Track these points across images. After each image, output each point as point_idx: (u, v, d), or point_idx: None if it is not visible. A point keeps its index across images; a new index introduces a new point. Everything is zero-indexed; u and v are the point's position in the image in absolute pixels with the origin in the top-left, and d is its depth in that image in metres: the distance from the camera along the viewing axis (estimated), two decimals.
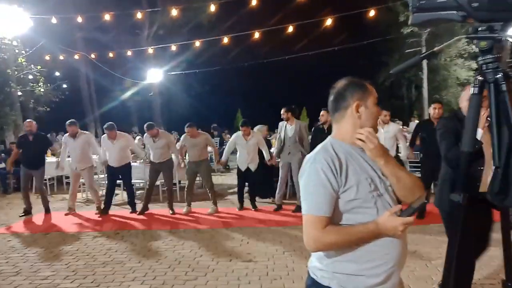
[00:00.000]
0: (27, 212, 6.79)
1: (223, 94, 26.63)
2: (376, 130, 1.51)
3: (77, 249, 4.86)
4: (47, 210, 6.85)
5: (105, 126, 6.75)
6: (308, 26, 12.03)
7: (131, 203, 6.86)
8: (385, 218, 1.35)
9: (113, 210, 6.93)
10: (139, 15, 11.40)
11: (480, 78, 1.48)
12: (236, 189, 7.30)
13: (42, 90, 13.31)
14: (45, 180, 8.18)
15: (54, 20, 10.23)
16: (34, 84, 13.22)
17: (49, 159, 7.87)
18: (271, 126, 9.21)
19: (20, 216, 6.68)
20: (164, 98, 24.53)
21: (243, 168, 6.63)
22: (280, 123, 6.61)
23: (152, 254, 4.58)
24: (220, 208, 6.79)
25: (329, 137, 1.54)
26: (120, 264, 4.29)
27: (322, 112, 6.15)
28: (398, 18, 19.35)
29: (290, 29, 11.11)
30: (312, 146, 6.46)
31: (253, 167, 6.60)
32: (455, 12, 1.38)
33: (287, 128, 6.42)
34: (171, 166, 6.82)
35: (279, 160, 6.73)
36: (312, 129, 7.04)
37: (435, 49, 1.65)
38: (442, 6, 1.39)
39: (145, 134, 6.84)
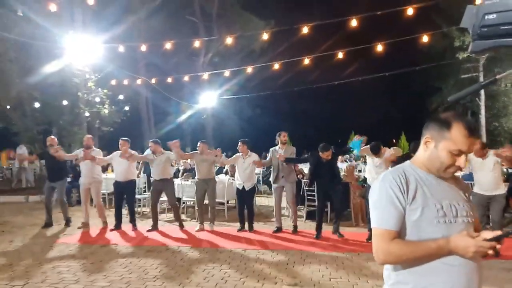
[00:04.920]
0: (48, 224, 7.17)
1: (273, 117, 27.01)
2: (444, 172, 1.47)
3: (130, 262, 5.09)
4: (67, 223, 7.25)
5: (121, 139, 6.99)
6: (359, 51, 11.98)
7: (132, 219, 7.04)
8: (459, 237, 1.34)
9: (163, 226, 7.22)
10: (196, 43, 12.09)
11: None
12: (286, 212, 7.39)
13: (106, 111, 14.43)
14: (104, 195, 8.72)
15: (121, 48, 11.18)
16: (100, 106, 14.39)
17: (109, 175, 8.43)
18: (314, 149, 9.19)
19: (42, 228, 7.08)
20: (216, 121, 25.38)
21: (240, 187, 6.82)
22: (272, 148, 6.84)
23: (200, 272, 4.67)
24: (266, 229, 6.87)
25: (408, 161, 1.58)
26: (170, 279, 4.43)
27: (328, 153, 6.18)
28: (453, 43, 18.63)
29: (341, 54, 11.14)
30: (311, 171, 6.53)
31: (247, 187, 6.74)
32: None
33: (280, 152, 6.61)
34: (215, 185, 7.03)
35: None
36: (309, 154, 7.06)
37: (498, 76, 1.61)
38: (505, 33, 1.37)
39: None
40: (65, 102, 13.42)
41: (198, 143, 6.99)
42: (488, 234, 1.31)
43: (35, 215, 8.41)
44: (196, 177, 7.03)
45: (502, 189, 5.20)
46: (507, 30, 1.37)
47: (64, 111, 13.49)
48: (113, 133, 14.74)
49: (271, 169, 6.94)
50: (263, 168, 11.71)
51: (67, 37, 11.75)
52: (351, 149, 7.05)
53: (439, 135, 1.43)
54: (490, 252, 1.30)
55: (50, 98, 13.12)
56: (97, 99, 14.20)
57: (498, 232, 1.31)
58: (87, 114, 13.95)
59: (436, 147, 1.44)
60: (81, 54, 11.97)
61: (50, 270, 4.74)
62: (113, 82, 14.26)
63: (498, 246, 1.29)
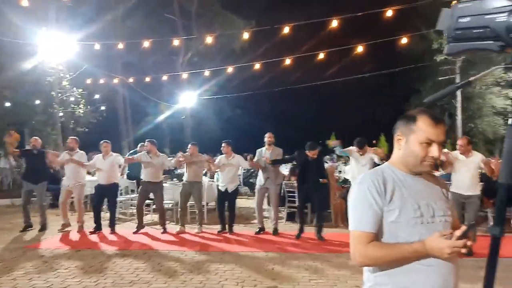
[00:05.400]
0: (27, 227, 6.99)
1: (253, 118, 27.00)
2: (418, 169, 1.48)
3: (106, 267, 4.94)
4: (43, 228, 7.00)
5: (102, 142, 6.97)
6: (340, 52, 12.12)
7: (112, 223, 6.90)
8: (433, 238, 1.34)
9: (142, 230, 7.04)
10: (176, 42, 11.93)
11: None
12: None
13: (82, 111, 14.03)
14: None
15: (97, 46, 10.89)
16: (75, 106, 13.98)
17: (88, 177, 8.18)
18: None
19: (20, 232, 6.87)
20: (195, 121, 25.14)
21: (222, 189, 6.73)
22: (258, 149, 6.82)
23: (178, 276, 4.58)
24: (246, 231, 6.82)
25: (386, 162, 1.59)
26: (147, 284, 4.32)
27: (314, 152, 6.20)
28: (431, 46, 19.10)
29: (321, 55, 11.21)
30: (300, 169, 6.53)
31: (230, 189, 6.69)
32: (492, 42, 1.36)
33: (266, 154, 6.59)
34: (201, 189, 6.97)
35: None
36: (296, 153, 7.01)
37: (472, 78, 1.62)
38: (479, 36, 1.38)
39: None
40: (38, 102, 12.97)
41: (189, 145, 6.95)
42: (458, 231, 1.33)
43: (5, 220, 8.08)
44: (184, 179, 6.94)
45: (477, 190, 5.33)
46: (480, 34, 1.38)
47: (37, 111, 13.03)
48: (89, 133, 14.35)
49: (253, 170, 6.90)
50: (244, 170, 11.65)
51: (40, 34, 11.37)
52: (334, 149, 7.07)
53: (407, 130, 1.46)
54: (463, 250, 1.30)
55: (22, 97, 12.64)
56: (72, 99, 13.80)
57: (464, 227, 1.33)
58: (61, 114, 13.52)
59: (407, 142, 1.46)
60: (55, 52, 11.61)
61: (20, 277, 4.53)
62: (89, 81, 13.90)
63: (469, 243, 1.30)
